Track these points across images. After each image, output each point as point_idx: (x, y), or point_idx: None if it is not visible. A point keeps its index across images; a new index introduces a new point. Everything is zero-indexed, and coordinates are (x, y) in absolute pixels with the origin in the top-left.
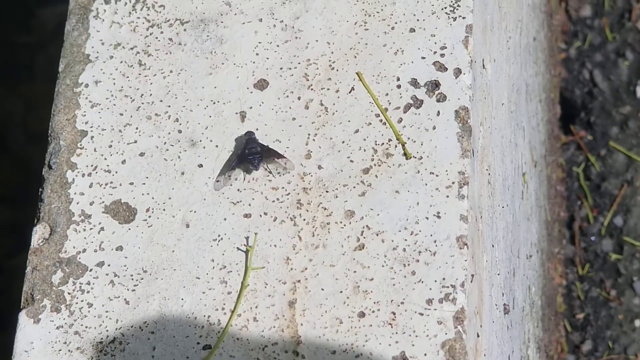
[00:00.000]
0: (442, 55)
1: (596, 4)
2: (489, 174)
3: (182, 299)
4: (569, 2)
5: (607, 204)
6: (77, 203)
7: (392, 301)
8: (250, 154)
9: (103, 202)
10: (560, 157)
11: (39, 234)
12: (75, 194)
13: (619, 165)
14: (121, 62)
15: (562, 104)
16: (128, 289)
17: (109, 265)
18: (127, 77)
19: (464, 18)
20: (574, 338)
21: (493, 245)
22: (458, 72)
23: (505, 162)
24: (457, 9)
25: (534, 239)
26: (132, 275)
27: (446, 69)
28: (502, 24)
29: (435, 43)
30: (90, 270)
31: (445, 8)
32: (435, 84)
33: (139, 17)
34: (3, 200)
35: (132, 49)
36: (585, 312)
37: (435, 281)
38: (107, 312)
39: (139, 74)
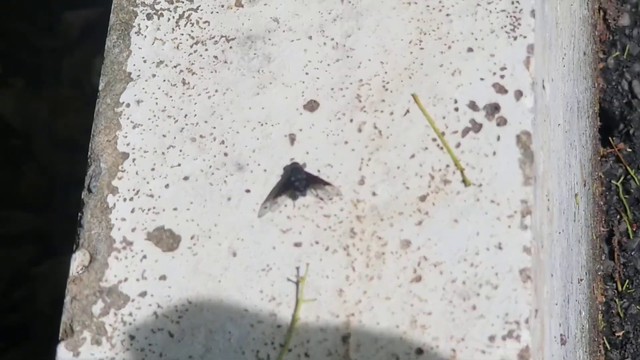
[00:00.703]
0: (502, 76)
1: (635, 13)
2: (548, 199)
3: (229, 332)
4: (607, 11)
5: None
6: (119, 229)
7: (451, 337)
8: (296, 180)
9: (145, 228)
10: (599, 171)
11: (78, 261)
12: (116, 219)
13: None
14: (164, 80)
15: (600, 116)
16: (172, 321)
17: (152, 295)
18: (170, 96)
19: (524, 37)
20: (613, 356)
21: (552, 275)
22: (519, 94)
23: (561, 184)
24: (518, 28)
25: (583, 261)
26: (176, 307)
27: (506, 91)
28: (558, 41)
29: (495, 63)
30: (133, 300)
31: (505, 27)
32: (495, 107)
33: (182, 34)
34: (28, 207)
35: (175, 67)
36: (624, 330)
37: (498, 317)
38: (150, 345)
39: (183, 94)
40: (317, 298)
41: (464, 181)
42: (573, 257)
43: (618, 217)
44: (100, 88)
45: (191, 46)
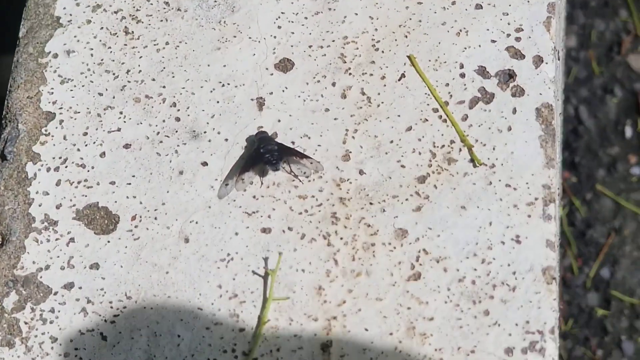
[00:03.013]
0: (518, 39)
1: (582, 35)
2: None
3: (179, 336)
4: None
5: (592, 253)
6: (40, 205)
7: (459, 349)
8: (266, 152)
9: (74, 205)
10: None
11: None
12: (37, 193)
13: (606, 211)
14: (102, 28)
15: None
16: (106, 321)
17: (80, 287)
18: (109, 47)
19: None
20: None
21: None
22: (539, 60)
23: None
24: None
25: None
26: (111, 303)
27: (523, 57)
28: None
29: (509, 24)
30: (55, 293)
31: None
32: (510, 75)
33: None
34: None
35: (116, 12)
36: None
37: (517, 325)
38: (76, 349)
39: (125, 45)
40: (290, 296)
41: (473, 160)
42: None
43: (562, 251)
44: (20, 35)
45: None
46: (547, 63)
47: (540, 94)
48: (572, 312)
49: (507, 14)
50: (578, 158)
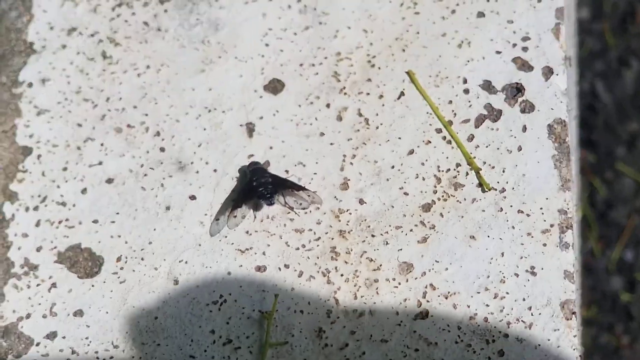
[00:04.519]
0: (525, 48)
1: (594, 5)
2: None
3: None
4: None
5: (614, 235)
6: (19, 249)
7: None
8: (259, 185)
9: (55, 247)
10: None
11: None
12: (15, 235)
13: (627, 191)
14: (78, 53)
15: None
16: None
17: (63, 337)
18: (87, 74)
19: None
20: None
21: None
22: (548, 72)
23: None
24: None
25: None
26: (97, 352)
27: (532, 68)
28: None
29: (515, 32)
30: (38, 344)
31: None
32: (518, 89)
33: None
34: None
35: (92, 35)
36: None
37: None
38: None
39: (103, 70)
40: (288, 340)
41: (482, 185)
42: None
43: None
44: None
45: (113, 9)
46: (557, 74)
47: (552, 108)
48: (595, 298)
49: (512, 22)
50: (596, 136)
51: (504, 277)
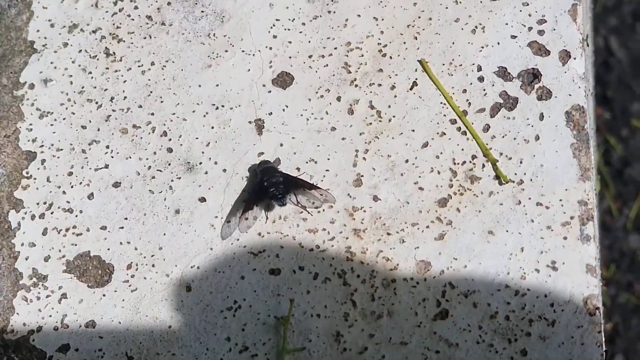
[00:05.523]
0: (541, 32)
1: None
2: None
3: None
4: None
5: (632, 193)
6: (27, 259)
7: None
8: (270, 186)
9: (64, 256)
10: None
11: None
12: (22, 245)
13: None
14: (80, 51)
15: None
16: None
17: (76, 349)
18: (90, 72)
19: None
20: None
21: None
22: (565, 55)
23: None
24: None
25: None
26: None
27: (548, 52)
28: None
29: (530, 15)
30: (50, 358)
31: None
32: (534, 75)
33: None
34: None
35: (94, 32)
36: (613, 322)
37: None
38: None
39: (107, 68)
40: (305, 346)
41: (499, 177)
42: None
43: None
44: None
45: (115, 2)
46: (575, 58)
47: (570, 94)
48: (614, 257)
49: (528, 4)
50: (610, 92)
51: (524, 273)
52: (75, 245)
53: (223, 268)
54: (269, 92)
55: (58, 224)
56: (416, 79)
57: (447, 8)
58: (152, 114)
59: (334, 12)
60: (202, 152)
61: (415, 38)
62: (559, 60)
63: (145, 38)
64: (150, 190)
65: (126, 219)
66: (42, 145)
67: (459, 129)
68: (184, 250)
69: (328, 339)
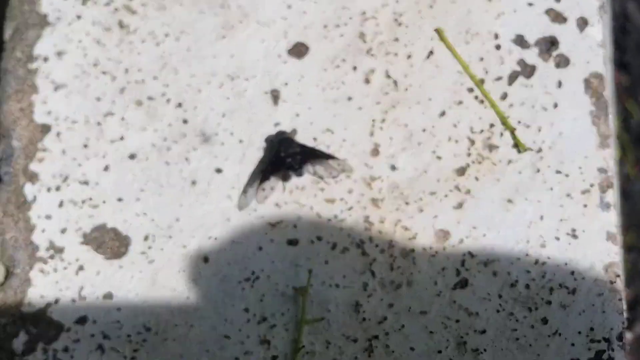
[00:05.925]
0: None
1: None
2: None
3: None
4: None
5: None
6: (43, 231)
7: None
8: (287, 156)
9: (80, 228)
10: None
11: None
12: (38, 217)
13: None
14: (94, 23)
15: None
16: (125, 357)
17: (94, 321)
18: (104, 45)
19: None
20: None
21: None
22: (583, 23)
23: None
24: None
25: None
26: (129, 336)
27: (565, 20)
28: None
29: None
30: (68, 330)
31: None
32: (552, 42)
33: None
34: None
35: (108, 4)
36: (633, 288)
37: (580, 333)
38: None
39: (121, 41)
40: (324, 316)
41: (517, 145)
42: None
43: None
44: (6, 37)
45: None
46: (592, 25)
47: (588, 62)
48: (633, 223)
49: None
50: (628, 57)
51: (544, 241)
52: (92, 217)
53: (240, 239)
54: (285, 62)
55: (74, 196)
56: (432, 48)
57: None
58: (167, 85)
59: None
60: (218, 123)
61: (431, 7)
62: (577, 27)
63: (158, 9)
64: (166, 162)
65: (142, 190)
66: (57, 118)
67: (476, 97)
68: (201, 222)
69: (347, 309)
